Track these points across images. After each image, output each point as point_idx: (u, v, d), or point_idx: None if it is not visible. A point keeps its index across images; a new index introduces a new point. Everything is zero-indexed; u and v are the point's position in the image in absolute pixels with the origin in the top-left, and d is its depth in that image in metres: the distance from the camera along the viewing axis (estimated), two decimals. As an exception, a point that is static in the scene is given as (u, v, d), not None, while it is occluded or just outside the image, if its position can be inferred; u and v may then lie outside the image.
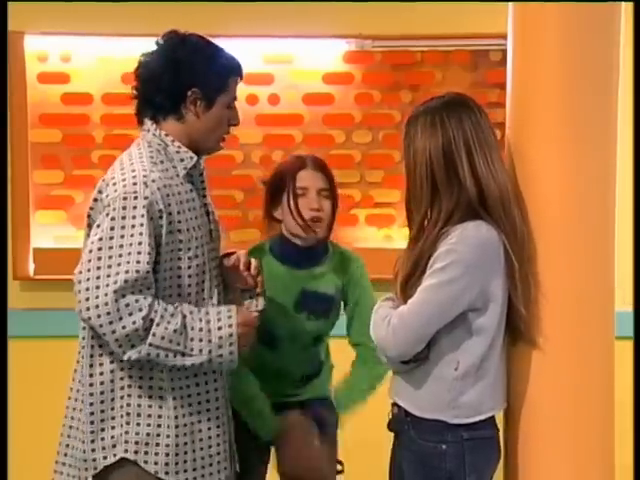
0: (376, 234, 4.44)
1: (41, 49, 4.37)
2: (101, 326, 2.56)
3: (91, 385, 2.69)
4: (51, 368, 4.32)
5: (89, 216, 2.71)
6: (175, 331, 2.60)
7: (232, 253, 2.87)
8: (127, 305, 2.56)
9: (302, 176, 2.97)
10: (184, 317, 2.63)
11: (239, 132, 4.37)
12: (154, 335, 2.58)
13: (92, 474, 2.71)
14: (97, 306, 2.55)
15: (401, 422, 2.61)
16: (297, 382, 3.09)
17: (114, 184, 2.64)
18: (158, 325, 2.58)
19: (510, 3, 2.68)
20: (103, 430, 2.68)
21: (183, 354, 2.62)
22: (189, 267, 2.69)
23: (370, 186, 4.44)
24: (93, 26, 4.30)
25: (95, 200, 2.70)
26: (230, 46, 4.27)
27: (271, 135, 4.45)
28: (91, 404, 2.69)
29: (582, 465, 2.59)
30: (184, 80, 2.71)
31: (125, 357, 2.59)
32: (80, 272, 2.60)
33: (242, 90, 4.37)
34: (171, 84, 2.71)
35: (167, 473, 2.68)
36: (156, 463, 2.67)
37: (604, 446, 2.62)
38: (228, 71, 2.78)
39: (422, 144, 2.54)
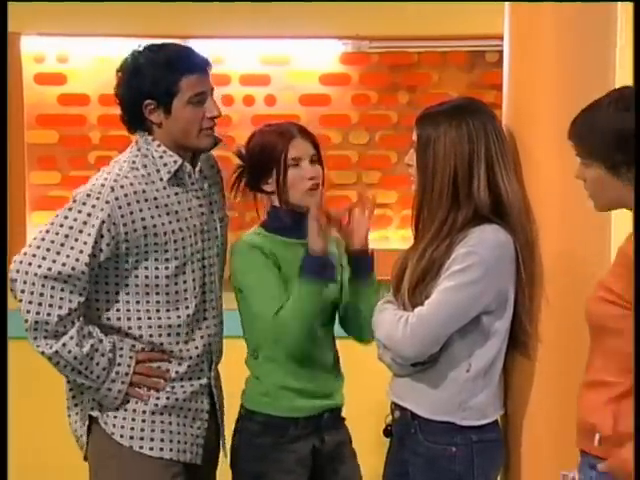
0: (372, 235, 4.42)
1: (38, 50, 4.36)
2: (20, 301, 2.65)
3: None
4: (48, 368, 4.31)
5: None
6: (87, 355, 2.66)
7: None
8: (51, 296, 2.63)
9: (294, 146, 2.92)
10: (99, 341, 2.68)
11: (235, 133, 4.37)
12: (64, 345, 2.65)
13: (80, 445, 2.82)
14: (25, 282, 2.63)
15: (407, 425, 2.60)
16: (330, 369, 2.98)
17: (88, 182, 2.73)
18: (72, 338, 2.64)
19: (506, 4, 2.69)
20: (76, 405, 2.80)
21: (79, 372, 2.68)
22: (166, 268, 2.73)
23: (367, 187, 4.43)
24: (90, 27, 4.29)
25: None
26: (227, 47, 4.37)
27: (268, 136, 4.44)
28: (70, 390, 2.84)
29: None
30: (136, 96, 2.74)
31: (30, 342, 2.67)
32: (24, 249, 2.68)
33: (238, 91, 4.46)
34: (128, 103, 2.77)
35: (122, 436, 2.73)
36: (114, 426, 2.73)
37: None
38: (176, 73, 2.72)
39: (445, 149, 2.49)
